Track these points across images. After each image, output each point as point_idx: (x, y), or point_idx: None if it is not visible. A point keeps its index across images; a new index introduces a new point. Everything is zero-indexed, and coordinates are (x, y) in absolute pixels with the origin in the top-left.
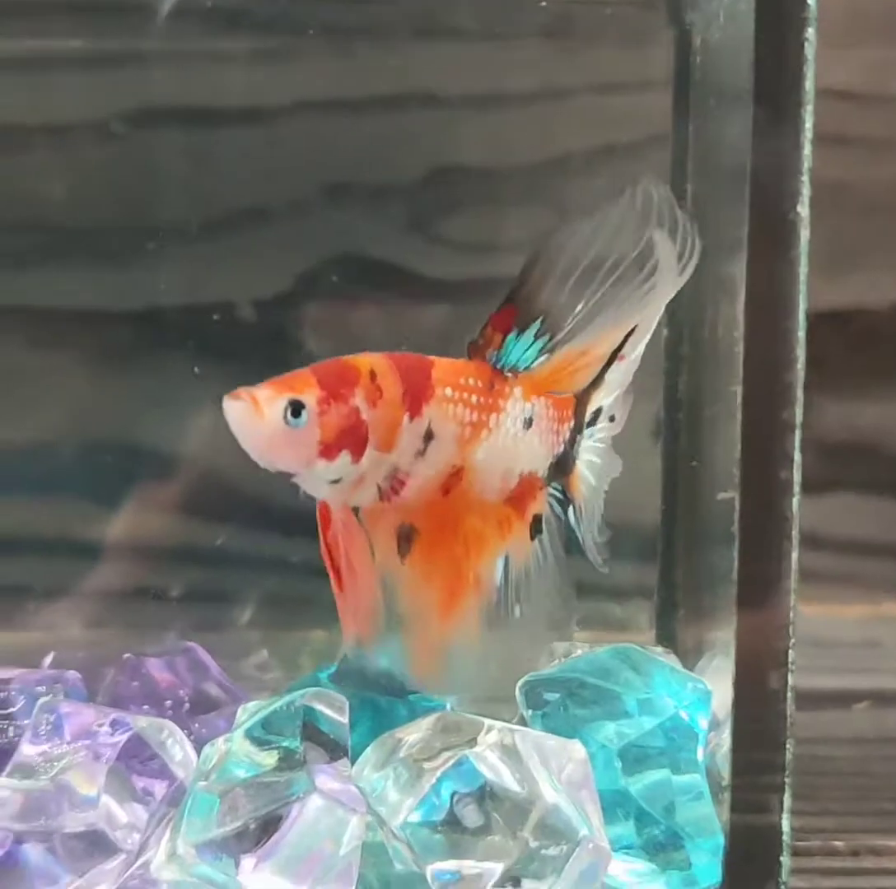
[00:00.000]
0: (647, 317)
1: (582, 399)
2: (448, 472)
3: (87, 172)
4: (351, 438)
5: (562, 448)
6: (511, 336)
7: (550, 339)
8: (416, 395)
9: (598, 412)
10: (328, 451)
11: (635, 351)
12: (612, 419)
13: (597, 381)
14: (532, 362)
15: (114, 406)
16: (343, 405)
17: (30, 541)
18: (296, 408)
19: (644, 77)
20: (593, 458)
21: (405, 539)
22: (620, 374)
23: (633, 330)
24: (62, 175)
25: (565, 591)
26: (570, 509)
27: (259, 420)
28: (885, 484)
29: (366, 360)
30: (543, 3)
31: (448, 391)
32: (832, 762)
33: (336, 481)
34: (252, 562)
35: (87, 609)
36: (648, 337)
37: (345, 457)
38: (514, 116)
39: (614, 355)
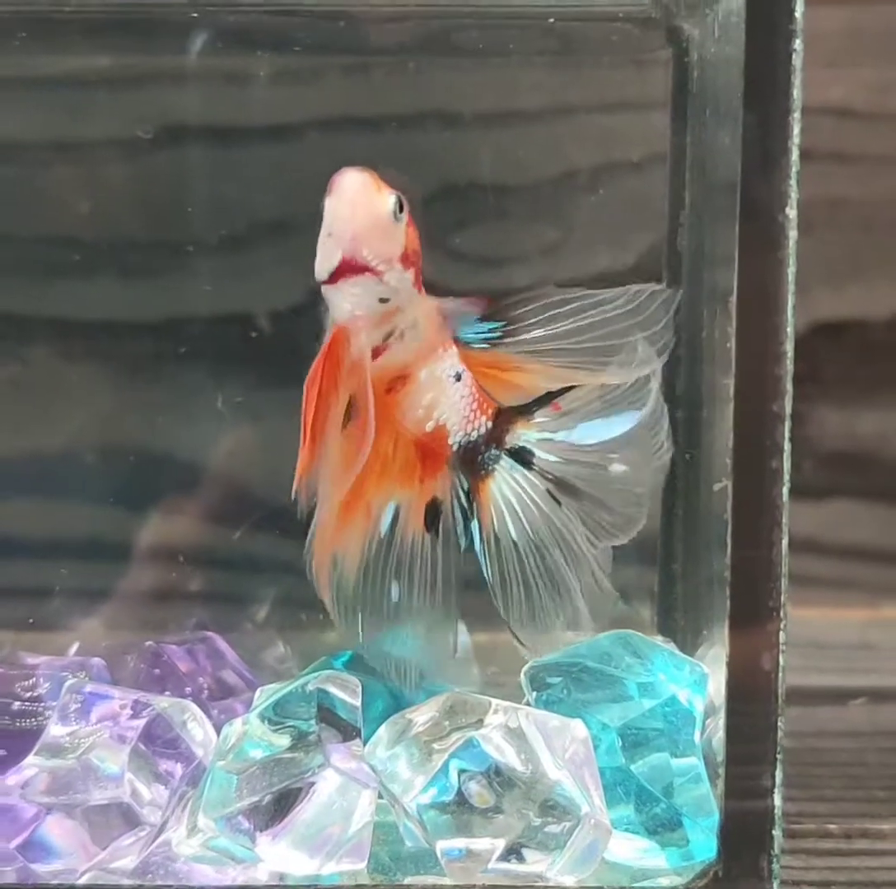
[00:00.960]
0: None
1: (504, 412)
2: (400, 371)
3: (111, 188)
4: (417, 260)
5: (473, 436)
6: (475, 317)
7: (499, 338)
8: (416, 280)
9: (527, 454)
10: (407, 259)
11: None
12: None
13: (524, 409)
14: (472, 342)
15: (138, 414)
16: (415, 230)
17: (55, 544)
18: (401, 206)
19: (644, 93)
20: (520, 517)
21: (349, 409)
22: (563, 432)
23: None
24: (87, 190)
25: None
26: (477, 536)
27: (376, 198)
28: (884, 491)
29: None
30: (552, 21)
31: (426, 301)
32: (828, 754)
33: (385, 301)
34: (269, 564)
35: (113, 610)
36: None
37: (411, 273)
38: (522, 134)
39: (548, 397)
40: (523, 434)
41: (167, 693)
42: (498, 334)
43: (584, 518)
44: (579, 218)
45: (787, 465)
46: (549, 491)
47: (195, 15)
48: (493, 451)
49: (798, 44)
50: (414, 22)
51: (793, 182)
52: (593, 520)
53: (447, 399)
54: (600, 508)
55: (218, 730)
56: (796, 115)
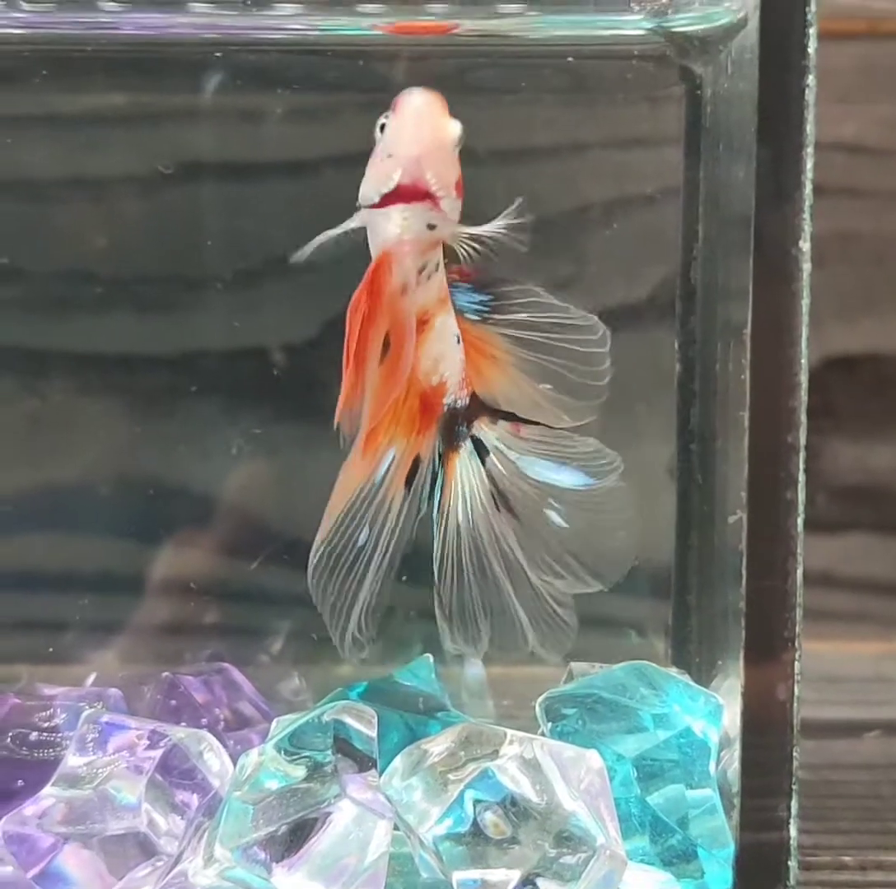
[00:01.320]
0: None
1: (476, 398)
2: (421, 314)
3: (128, 223)
4: (462, 192)
5: (458, 404)
6: (469, 286)
7: (488, 313)
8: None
9: (482, 449)
10: (459, 188)
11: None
12: None
13: (491, 409)
14: (464, 311)
15: (153, 448)
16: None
17: (72, 577)
18: (461, 137)
19: (658, 129)
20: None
21: (385, 345)
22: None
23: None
24: (104, 226)
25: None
26: (436, 505)
27: (443, 122)
28: None
29: None
30: (569, 59)
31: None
32: (843, 786)
33: (432, 227)
34: (284, 597)
35: (129, 643)
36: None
37: (460, 203)
38: (538, 171)
39: (515, 416)
40: (484, 430)
41: (184, 724)
42: (487, 309)
43: (520, 541)
44: (594, 252)
45: (801, 496)
46: (492, 494)
47: (218, 55)
48: (464, 428)
49: (811, 80)
50: (431, 60)
51: (806, 215)
52: (532, 547)
53: (451, 356)
54: (537, 543)
55: (234, 760)
56: (809, 149)
